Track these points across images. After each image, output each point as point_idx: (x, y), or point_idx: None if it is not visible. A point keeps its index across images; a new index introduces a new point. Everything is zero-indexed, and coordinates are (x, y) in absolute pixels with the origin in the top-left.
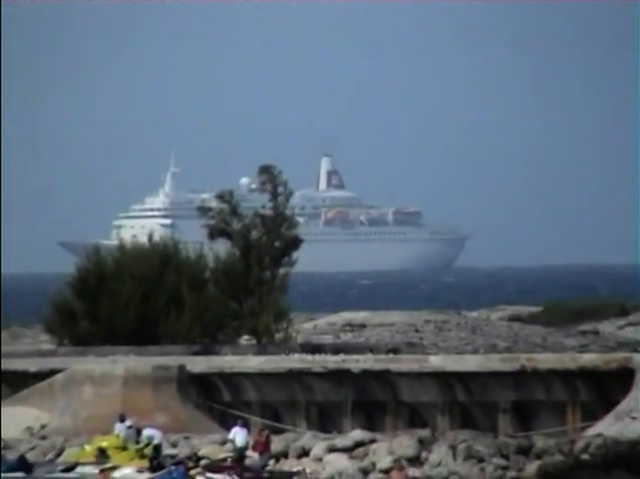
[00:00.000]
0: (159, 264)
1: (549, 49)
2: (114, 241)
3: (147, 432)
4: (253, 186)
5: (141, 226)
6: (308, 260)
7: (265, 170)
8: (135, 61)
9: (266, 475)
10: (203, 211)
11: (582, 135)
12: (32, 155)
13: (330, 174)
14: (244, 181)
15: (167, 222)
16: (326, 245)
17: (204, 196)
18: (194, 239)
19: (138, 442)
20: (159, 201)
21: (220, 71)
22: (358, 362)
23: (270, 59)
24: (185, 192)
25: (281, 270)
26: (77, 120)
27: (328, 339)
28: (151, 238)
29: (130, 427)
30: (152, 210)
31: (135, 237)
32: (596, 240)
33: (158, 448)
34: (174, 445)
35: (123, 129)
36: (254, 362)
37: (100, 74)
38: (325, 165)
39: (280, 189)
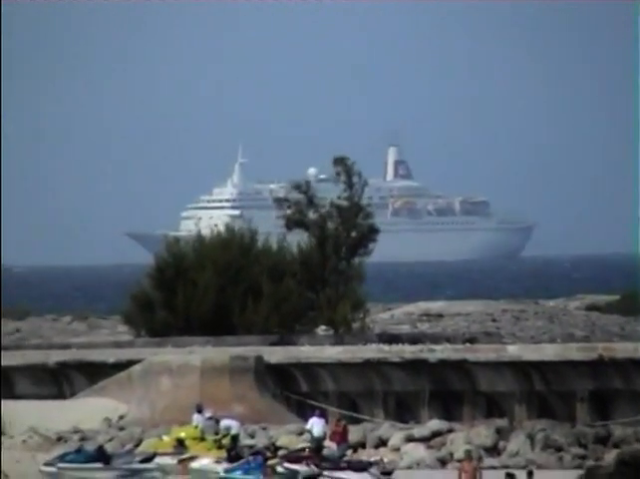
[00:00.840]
0: (238, 255)
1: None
2: (182, 232)
3: (224, 423)
4: (322, 176)
5: (209, 216)
6: (376, 251)
7: (339, 161)
8: (190, 52)
9: (344, 465)
10: (280, 202)
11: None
12: (95, 147)
13: (397, 164)
14: (312, 171)
15: (236, 212)
16: (394, 236)
17: (272, 186)
18: (263, 229)
19: (216, 433)
20: (227, 191)
21: (283, 62)
22: (435, 352)
23: (333, 52)
24: (253, 182)
25: (357, 260)
26: (140, 111)
27: (405, 329)
28: (229, 228)
29: (209, 418)
30: (220, 201)
31: (216, 226)
32: None
33: (235, 438)
34: (252, 436)
35: (189, 120)
36: (331, 352)
37: (154, 64)
38: (392, 155)
39: (355, 179)
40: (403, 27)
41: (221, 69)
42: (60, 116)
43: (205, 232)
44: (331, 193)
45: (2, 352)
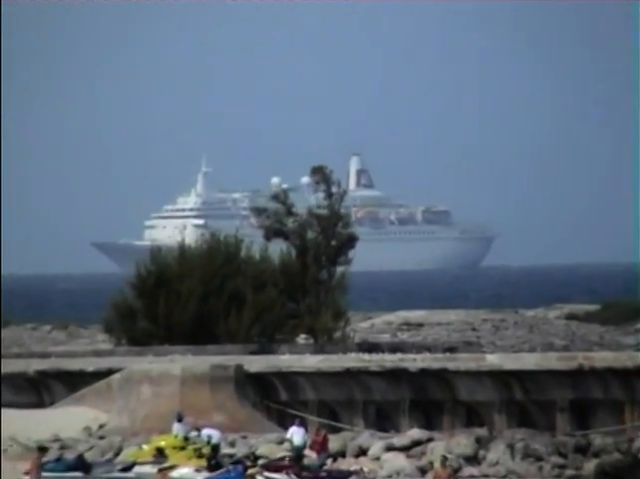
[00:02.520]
0: (222, 264)
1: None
2: (146, 242)
3: (205, 431)
4: (284, 185)
5: (174, 226)
6: None
7: (318, 170)
8: (159, 58)
9: (324, 474)
10: (258, 211)
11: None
12: (57, 155)
13: (359, 173)
14: (275, 180)
15: (200, 221)
16: (356, 245)
17: (236, 195)
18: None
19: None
20: (190, 201)
21: (248, 70)
22: (415, 361)
23: (296, 58)
24: (217, 191)
25: (339, 269)
26: (106, 119)
27: (385, 338)
28: (214, 236)
29: (197, 431)
30: (184, 210)
31: (170, 237)
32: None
33: (215, 447)
34: (232, 444)
35: (153, 128)
36: (312, 361)
37: (121, 72)
38: (354, 164)
39: (334, 188)
40: (366, 32)
41: (186, 78)
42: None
43: (175, 241)
44: (297, 202)
45: None
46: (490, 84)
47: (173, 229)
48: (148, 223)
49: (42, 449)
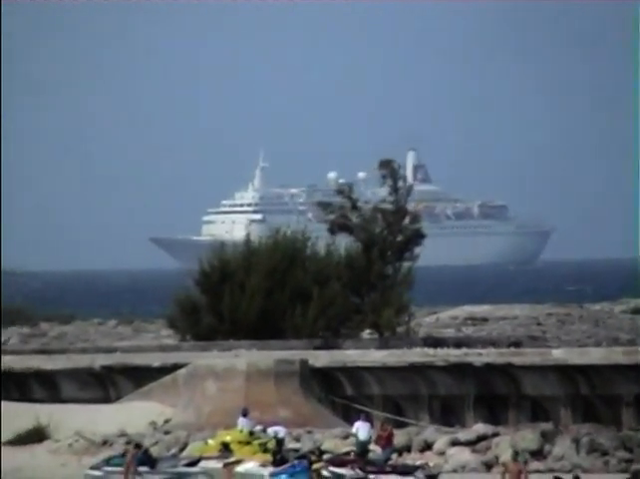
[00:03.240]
0: (286, 259)
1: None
2: (204, 237)
3: (272, 427)
4: (341, 180)
5: (231, 221)
6: None
7: (386, 164)
8: (209, 55)
9: (389, 469)
10: (324, 206)
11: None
12: (113, 153)
13: (416, 168)
14: (332, 175)
15: (258, 217)
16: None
17: (293, 190)
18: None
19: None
20: (248, 196)
21: (302, 66)
22: (480, 356)
23: (345, 54)
24: (274, 187)
25: (405, 264)
26: (159, 113)
27: (450, 333)
28: (279, 231)
29: (263, 430)
30: (242, 205)
31: (227, 232)
32: None
33: (281, 442)
34: (297, 439)
35: (210, 123)
36: (376, 356)
37: (169, 65)
38: (411, 159)
39: (400, 183)
40: (414, 30)
41: (241, 73)
42: (68, 117)
43: (234, 235)
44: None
45: (49, 356)
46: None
47: (232, 223)
48: (205, 218)
49: (137, 446)
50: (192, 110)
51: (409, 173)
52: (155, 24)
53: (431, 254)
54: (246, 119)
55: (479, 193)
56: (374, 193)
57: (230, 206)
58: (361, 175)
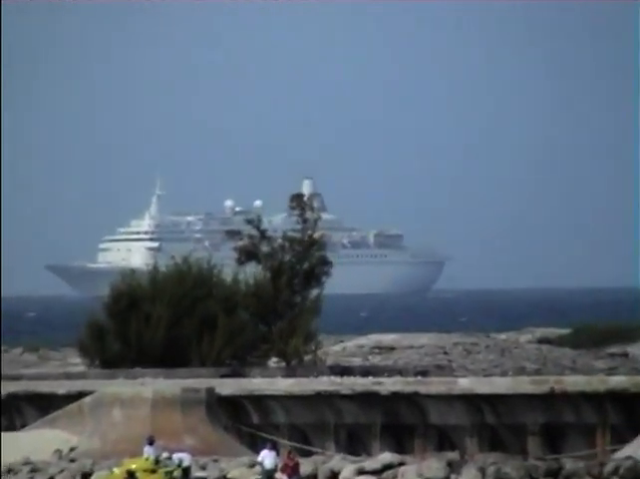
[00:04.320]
0: (193, 287)
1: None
2: (100, 265)
3: (176, 455)
4: (237, 208)
5: (127, 248)
6: None
7: (297, 197)
8: (116, 72)
9: None
10: (232, 234)
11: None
12: (15, 174)
13: (312, 196)
14: (229, 203)
15: (155, 244)
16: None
17: (189, 218)
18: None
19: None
20: (144, 223)
21: (202, 89)
22: (387, 385)
23: (253, 78)
24: (170, 214)
25: (313, 292)
26: (59, 137)
27: (357, 362)
28: (186, 260)
29: (169, 458)
30: (138, 233)
31: (124, 259)
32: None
33: (187, 471)
34: (204, 468)
35: (107, 151)
36: (283, 385)
37: (80, 86)
38: (307, 187)
39: (308, 214)
40: (318, 54)
41: (140, 97)
42: None
43: (131, 263)
44: (244, 225)
45: None
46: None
47: (127, 251)
48: (102, 245)
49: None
50: (90, 135)
51: (289, 202)
52: None
53: (329, 283)
54: (143, 146)
55: (374, 222)
56: (270, 221)
57: (127, 233)
58: (257, 203)
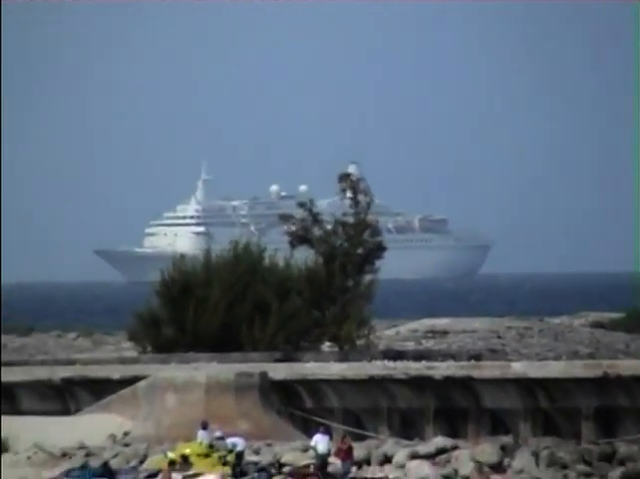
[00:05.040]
0: (246, 272)
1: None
2: (146, 249)
3: (230, 440)
4: (283, 193)
5: (174, 233)
6: None
7: (345, 177)
8: (155, 64)
9: None
10: (285, 218)
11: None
12: (53, 161)
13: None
14: (274, 188)
15: (201, 229)
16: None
17: (235, 203)
18: (226, 246)
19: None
20: (190, 208)
21: (248, 77)
22: (440, 369)
23: (296, 67)
24: (216, 199)
25: (366, 278)
26: (104, 125)
27: (410, 346)
28: (237, 245)
29: (221, 438)
30: (184, 217)
31: (170, 244)
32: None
33: (240, 455)
34: (257, 452)
35: (153, 135)
36: (336, 369)
37: (121, 76)
38: (352, 172)
39: (361, 196)
40: (365, 40)
41: (186, 84)
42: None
43: (177, 248)
44: (290, 210)
45: (7, 369)
46: (488, 91)
47: (174, 236)
48: (148, 230)
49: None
50: (135, 121)
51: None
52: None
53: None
54: (189, 131)
55: (419, 206)
56: (317, 205)
57: (173, 218)
58: (302, 187)
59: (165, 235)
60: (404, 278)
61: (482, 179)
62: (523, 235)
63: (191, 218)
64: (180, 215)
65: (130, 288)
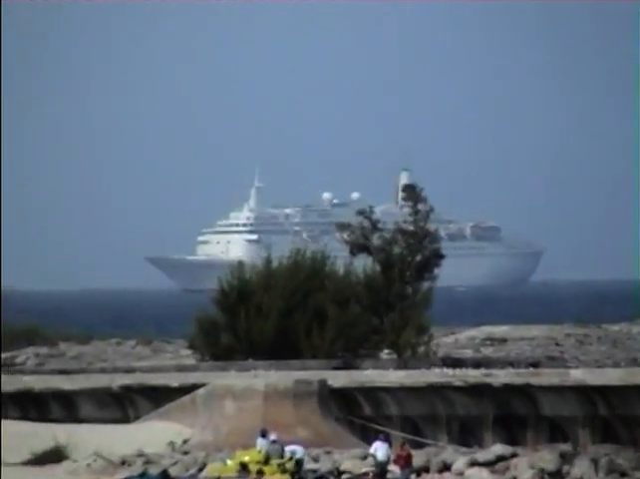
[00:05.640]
0: (305, 279)
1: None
2: (199, 257)
3: (289, 447)
4: (335, 201)
5: (227, 241)
6: None
7: (409, 188)
8: (206, 70)
9: None
10: (343, 227)
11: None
12: (110, 171)
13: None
14: (326, 196)
15: (254, 237)
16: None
17: (288, 211)
18: (279, 254)
19: (282, 457)
20: (243, 216)
21: (298, 85)
22: (499, 376)
23: (343, 73)
24: (269, 207)
25: (425, 285)
26: (155, 134)
27: (469, 353)
28: (299, 252)
29: (274, 442)
30: (237, 225)
31: (222, 252)
32: None
33: (299, 463)
34: (316, 460)
35: (206, 142)
36: (395, 377)
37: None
38: (404, 179)
39: (420, 205)
40: (415, 38)
41: (238, 91)
42: (61, 126)
43: (230, 255)
44: (343, 217)
45: (67, 376)
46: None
47: (227, 243)
48: (200, 238)
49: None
50: (188, 128)
51: (401, 193)
52: (148, 25)
53: None
54: (242, 138)
55: (471, 213)
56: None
57: (225, 225)
58: (355, 195)
59: (218, 243)
60: (456, 286)
61: (535, 186)
62: (574, 241)
63: (244, 225)
64: (233, 222)
65: (184, 296)
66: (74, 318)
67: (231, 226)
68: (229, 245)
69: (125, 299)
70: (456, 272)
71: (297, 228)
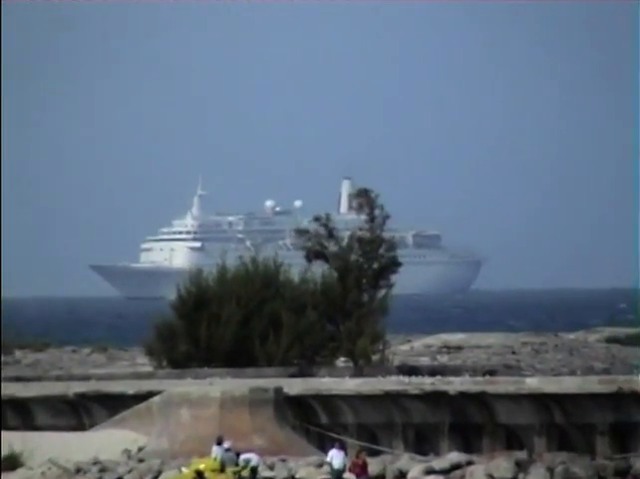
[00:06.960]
0: (261, 287)
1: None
2: (143, 265)
3: (244, 455)
4: (277, 208)
5: (170, 248)
6: None
7: (363, 192)
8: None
9: None
10: (301, 233)
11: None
12: (50, 175)
13: (351, 197)
14: (269, 203)
15: (197, 244)
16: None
17: (231, 218)
18: (220, 261)
19: (236, 465)
20: (187, 223)
21: (242, 93)
22: (455, 384)
23: (289, 81)
24: (212, 214)
25: (381, 292)
26: (97, 140)
27: (425, 361)
28: (254, 260)
29: (228, 450)
30: (180, 232)
31: (166, 259)
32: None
33: (255, 470)
34: (271, 468)
35: (147, 150)
36: (351, 384)
37: (117, 85)
38: (346, 187)
39: (377, 212)
40: (357, 52)
41: (182, 99)
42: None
43: (174, 263)
44: (285, 225)
45: (22, 384)
46: (484, 103)
47: (170, 251)
48: (144, 246)
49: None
50: (132, 135)
51: (343, 201)
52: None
53: None
54: (184, 146)
55: (412, 222)
56: (310, 222)
57: (169, 233)
58: (297, 203)
59: (162, 250)
60: (397, 294)
61: (477, 194)
62: (514, 250)
63: (188, 233)
64: (177, 230)
65: (130, 304)
66: (27, 326)
67: (175, 233)
68: (173, 253)
69: (72, 307)
70: (398, 280)
71: (240, 235)
